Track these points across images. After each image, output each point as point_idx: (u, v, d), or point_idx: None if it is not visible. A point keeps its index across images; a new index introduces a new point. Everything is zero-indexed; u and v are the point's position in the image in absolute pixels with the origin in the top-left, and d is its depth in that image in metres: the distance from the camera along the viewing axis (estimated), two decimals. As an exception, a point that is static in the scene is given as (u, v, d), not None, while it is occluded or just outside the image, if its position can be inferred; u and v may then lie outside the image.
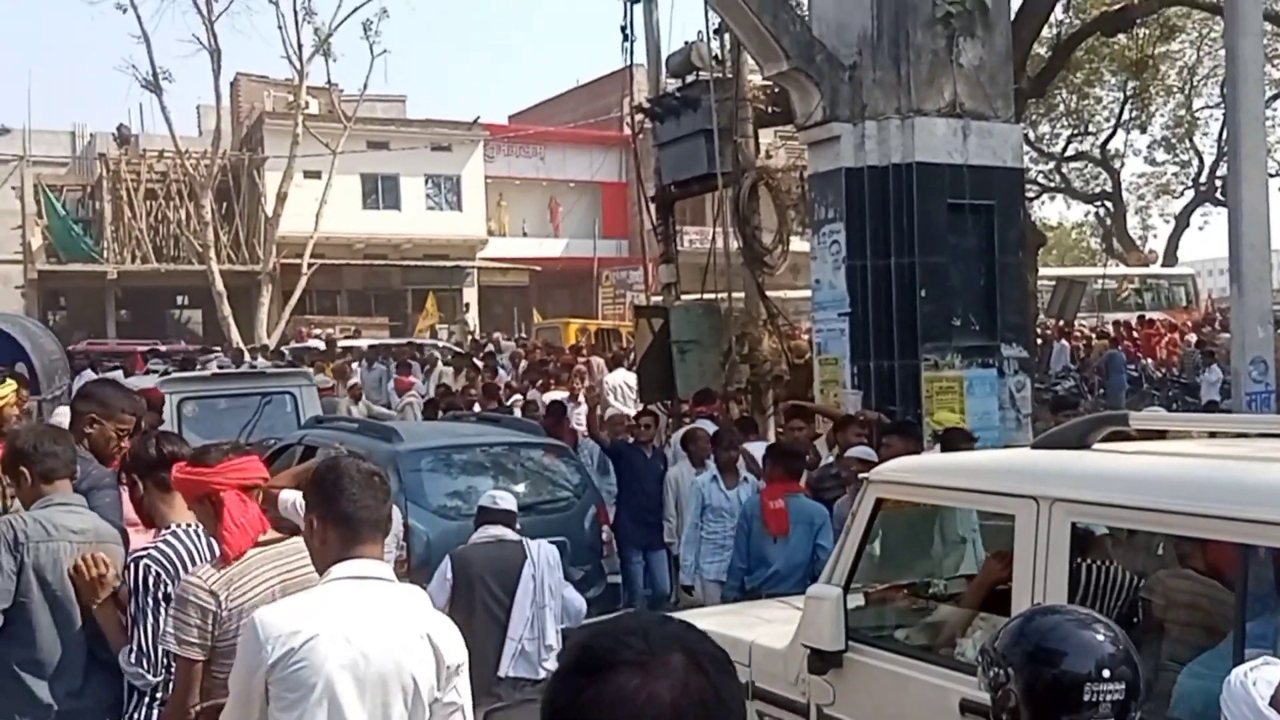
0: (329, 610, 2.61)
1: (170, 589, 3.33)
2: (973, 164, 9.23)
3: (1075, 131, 33.85)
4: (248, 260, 31.94)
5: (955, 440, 6.58)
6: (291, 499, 4.74)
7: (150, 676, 3.40)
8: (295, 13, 30.30)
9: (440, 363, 18.85)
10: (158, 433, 4.37)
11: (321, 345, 23.01)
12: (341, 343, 23.76)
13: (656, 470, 9.03)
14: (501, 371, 17.39)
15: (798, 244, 12.61)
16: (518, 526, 5.56)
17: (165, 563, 3.45)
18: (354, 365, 18.25)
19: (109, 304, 33.01)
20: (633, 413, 13.55)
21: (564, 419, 10.63)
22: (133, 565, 3.50)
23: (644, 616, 1.33)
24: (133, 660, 3.41)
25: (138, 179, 32.84)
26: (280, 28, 28.91)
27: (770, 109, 12.09)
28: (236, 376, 14.04)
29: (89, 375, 12.98)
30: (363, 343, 23.64)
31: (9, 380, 5.10)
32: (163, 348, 23.43)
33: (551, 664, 5.15)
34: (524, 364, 18.38)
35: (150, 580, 3.42)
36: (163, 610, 3.32)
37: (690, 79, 12.22)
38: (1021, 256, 10.01)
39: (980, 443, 8.06)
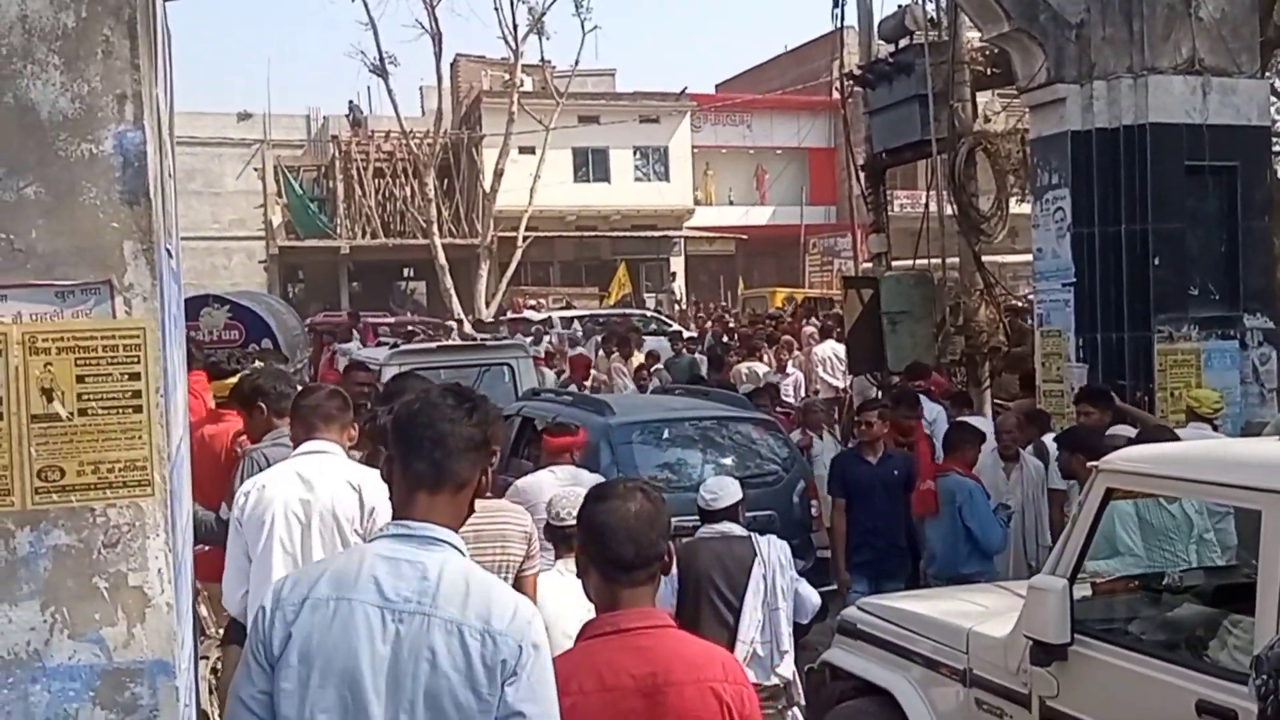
0: (281, 470, 4.07)
1: None
2: (1213, 123, 8.66)
3: (1330, 79, 30.97)
4: (467, 234, 33.26)
5: (1157, 438, 6.16)
6: None
7: None
8: (511, -6, 31.12)
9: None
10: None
11: (536, 315, 23.70)
12: (556, 313, 24.42)
13: (888, 481, 7.20)
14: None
15: (1016, 208, 12.10)
16: (743, 519, 5.10)
17: None
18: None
19: (342, 277, 35.09)
20: (842, 384, 13.43)
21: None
22: None
23: (624, 479, 2.72)
24: None
25: (366, 159, 34.74)
26: (497, 9, 29.71)
27: (989, 71, 11.59)
28: (457, 349, 14.63)
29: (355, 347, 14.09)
30: (570, 313, 24.20)
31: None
32: (390, 319, 24.69)
33: (785, 669, 4.82)
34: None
35: None
36: None
37: (904, 43, 11.86)
38: (1269, 221, 9.30)
39: (1221, 420, 7.60)
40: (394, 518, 2.27)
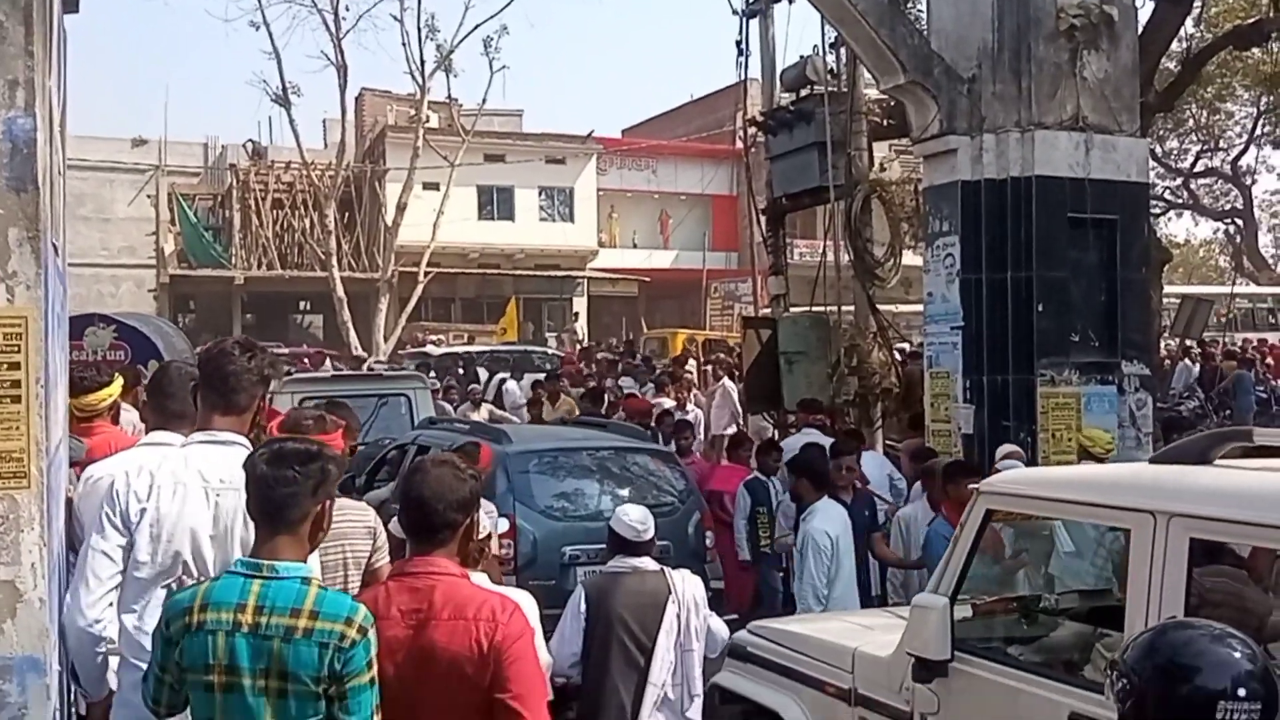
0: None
1: None
2: (1095, 178, 9.03)
3: (1205, 147, 32.67)
4: (368, 268, 32.87)
5: (955, 474, 6.52)
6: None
7: None
8: (419, 30, 31.14)
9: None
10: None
11: (437, 350, 23.52)
12: (451, 349, 24.26)
13: (860, 524, 7.05)
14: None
15: (910, 258, 12.47)
16: (656, 553, 4.96)
17: None
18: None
19: (235, 308, 34.33)
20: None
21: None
22: None
23: (443, 455, 3.09)
24: None
25: (265, 189, 34.14)
26: (404, 45, 29.78)
27: (885, 122, 12.01)
28: (354, 379, 14.49)
29: None
30: (472, 349, 24.09)
31: (118, 377, 5.49)
32: (284, 350, 24.27)
33: (695, 713, 4.73)
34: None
35: None
36: None
37: (804, 93, 12.20)
38: (1146, 273, 9.74)
39: (1111, 460, 7.89)
40: (198, 429, 3.31)
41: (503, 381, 16.71)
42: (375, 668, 2.65)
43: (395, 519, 4.93)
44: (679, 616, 4.68)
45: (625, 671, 4.60)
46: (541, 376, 16.42)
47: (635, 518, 4.85)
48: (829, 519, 6.52)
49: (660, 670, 4.62)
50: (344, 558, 4.24)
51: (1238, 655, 2.07)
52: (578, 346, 25.84)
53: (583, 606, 4.72)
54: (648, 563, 4.80)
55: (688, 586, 4.76)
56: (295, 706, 2.60)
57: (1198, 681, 2.05)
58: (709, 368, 18.28)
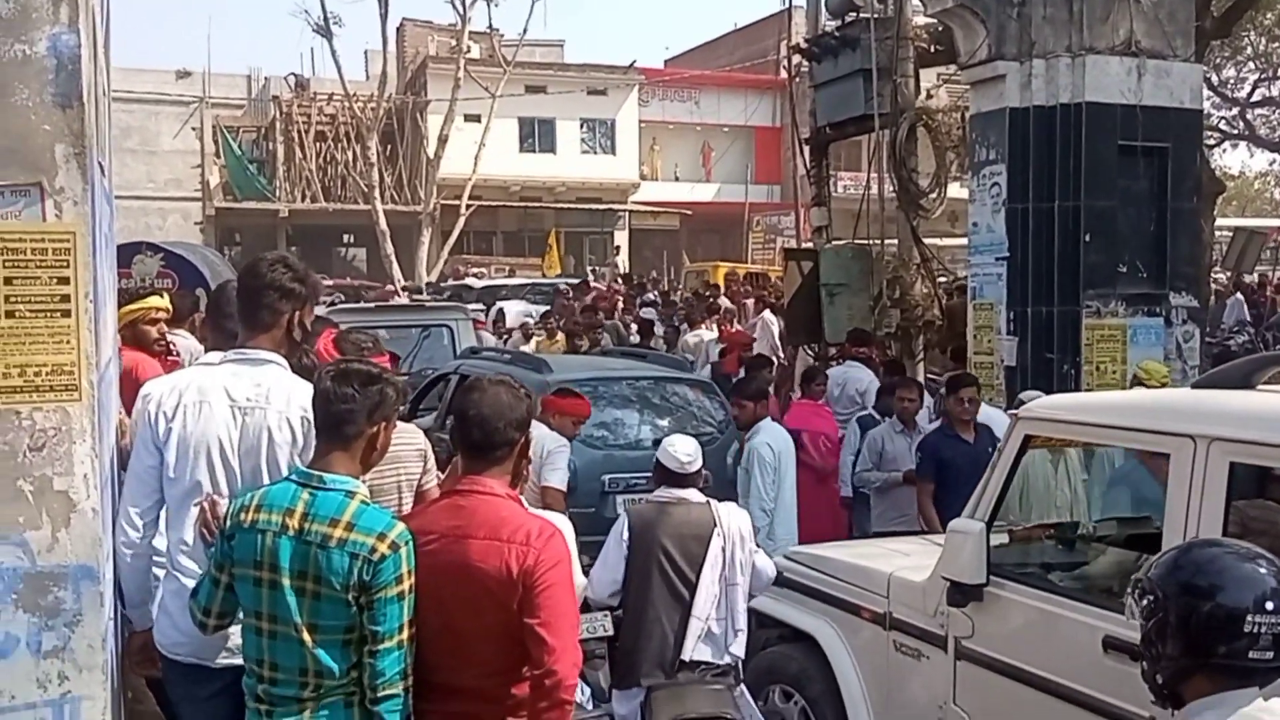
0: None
1: None
2: (1147, 104, 8.85)
3: (1263, 76, 31.64)
4: (409, 201, 32.93)
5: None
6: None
7: None
8: (459, -42, 30.77)
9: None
10: None
11: (477, 283, 23.62)
12: (493, 281, 24.36)
13: (983, 461, 6.67)
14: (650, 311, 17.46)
15: (956, 191, 12.29)
16: (703, 484, 4.86)
17: None
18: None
19: (280, 240, 34.55)
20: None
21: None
22: None
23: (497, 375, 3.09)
24: None
25: (308, 121, 34.20)
26: (444, -27, 29.35)
27: (932, 48, 11.73)
28: (398, 309, 14.60)
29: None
30: (512, 282, 24.20)
31: (155, 295, 5.40)
32: (329, 282, 24.48)
33: (738, 648, 4.66)
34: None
35: None
36: None
37: (850, 18, 11.97)
38: (1197, 203, 9.57)
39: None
40: (236, 348, 3.30)
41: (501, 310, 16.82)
42: (406, 583, 2.72)
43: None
44: (724, 549, 4.60)
45: (669, 602, 4.56)
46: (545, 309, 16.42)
47: (682, 449, 4.77)
48: (773, 436, 6.94)
49: (704, 604, 4.56)
50: (399, 480, 4.28)
51: (1264, 572, 2.08)
52: (619, 279, 25.78)
53: (625, 534, 4.66)
54: (694, 494, 4.73)
55: (734, 520, 4.68)
56: (327, 608, 2.71)
57: (1221, 599, 2.06)
58: (749, 301, 18.21)
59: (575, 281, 21.90)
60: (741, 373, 10.51)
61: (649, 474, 7.39)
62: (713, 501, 4.78)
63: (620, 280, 24.11)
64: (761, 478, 6.77)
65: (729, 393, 7.96)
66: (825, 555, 5.16)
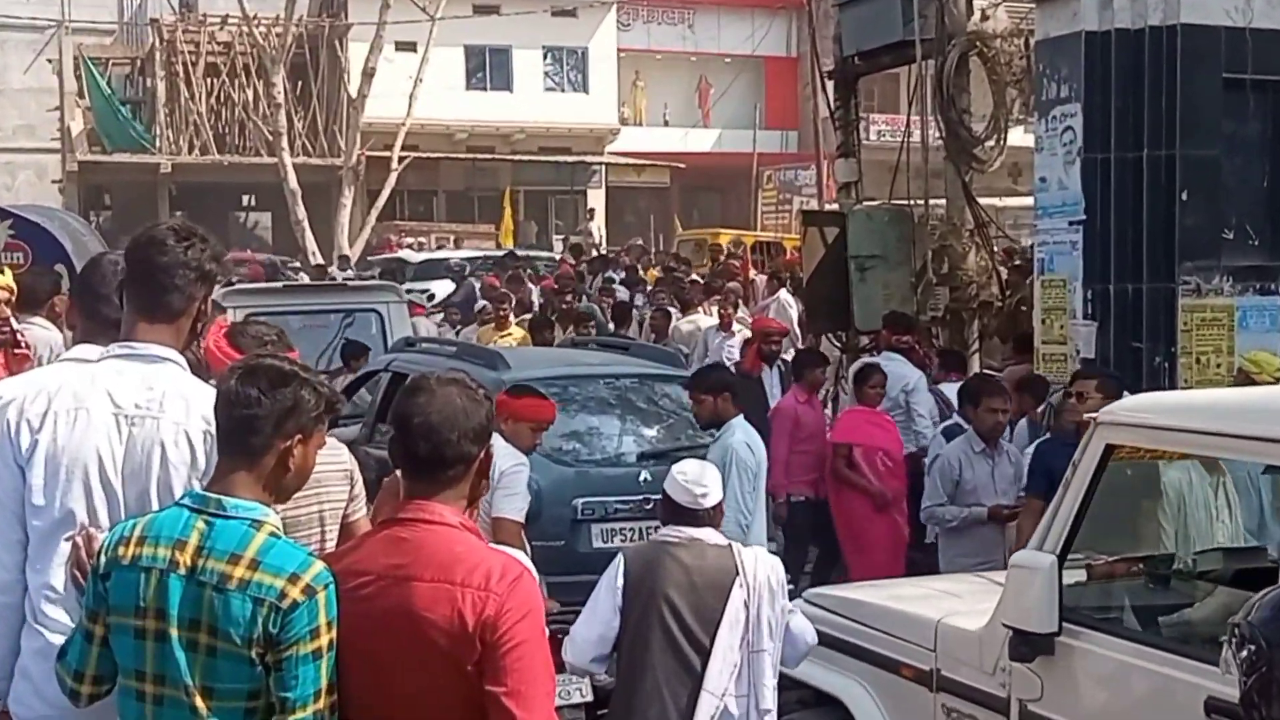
0: None
1: None
2: (1259, 27, 8.89)
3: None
4: (326, 153, 32.91)
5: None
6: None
7: None
8: None
9: None
10: None
11: (416, 256, 23.67)
12: (434, 254, 24.42)
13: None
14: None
15: (1018, 137, 12.34)
16: (714, 516, 4.71)
17: None
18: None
19: (162, 203, 34.46)
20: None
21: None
22: None
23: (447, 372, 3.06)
24: None
25: (196, 51, 34.07)
26: None
27: (988, -43, 11.80)
28: (312, 290, 14.59)
29: None
30: (459, 255, 24.25)
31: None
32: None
33: None
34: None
35: None
36: None
37: (884, -83, 12.00)
38: (1324, 151, 9.63)
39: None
40: (121, 340, 3.24)
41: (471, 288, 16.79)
42: (325, 638, 2.71)
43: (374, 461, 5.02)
44: (748, 606, 4.47)
45: (674, 671, 4.44)
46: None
47: (696, 478, 4.66)
48: (751, 434, 7.09)
49: (720, 675, 4.43)
50: (320, 511, 4.25)
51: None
52: (594, 252, 25.85)
53: (620, 581, 4.53)
54: (711, 535, 4.61)
55: (761, 568, 4.55)
56: (225, 668, 2.69)
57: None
58: (760, 278, 18.25)
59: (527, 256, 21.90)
60: (771, 375, 10.52)
61: (633, 497, 7.48)
62: (736, 544, 4.69)
63: (574, 255, 24.10)
64: (741, 484, 6.80)
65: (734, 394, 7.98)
66: (856, 598, 5.18)
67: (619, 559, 4.68)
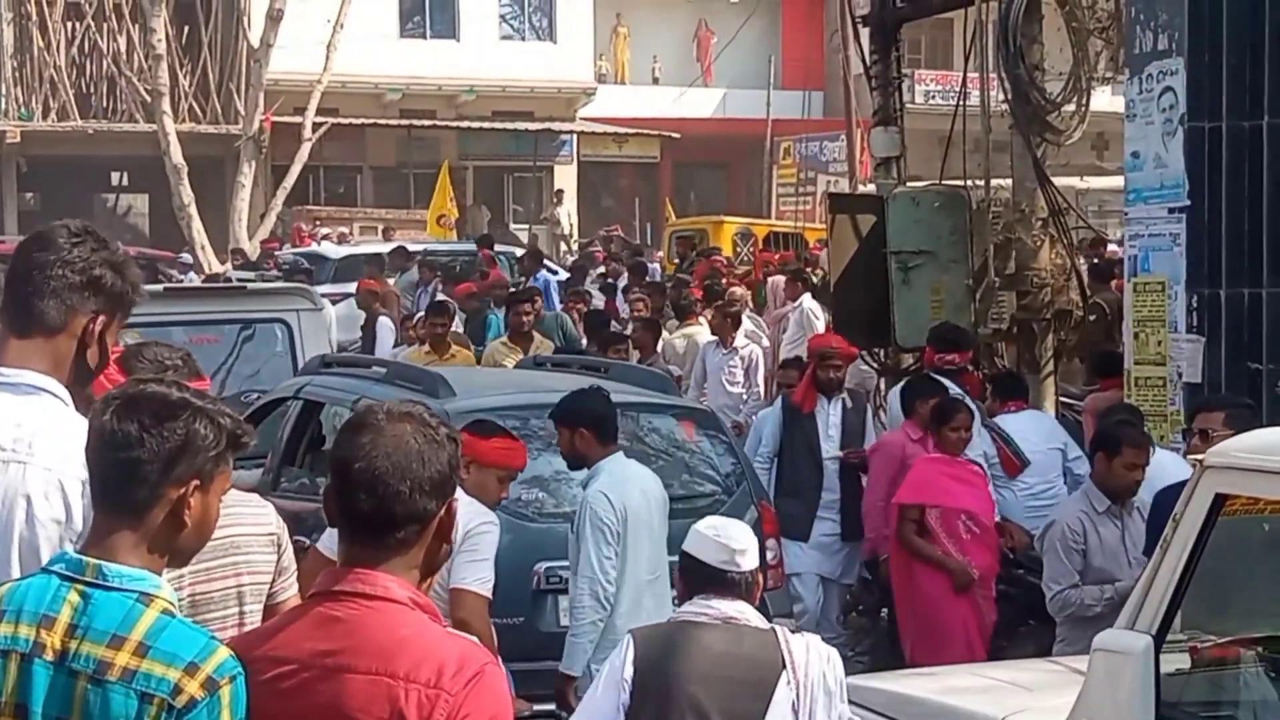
0: None
1: None
2: None
3: None
4: (220, 118, 32.92)
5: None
6: None
7: None
8: None
9: None
10: None
11: (337, 251, 23.71)
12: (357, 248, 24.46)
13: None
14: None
15: (1103, 100, 12.42)
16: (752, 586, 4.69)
17: None
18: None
19: (9, 182, 34.43)
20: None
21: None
22: None
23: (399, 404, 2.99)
24: None
25: (53, -12, 34.10)
26: None
27: None
28: (201, 295, 14.59)
29: None
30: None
31: None
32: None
33: None
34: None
35: None
36: None
37: None
38: None
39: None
40: None
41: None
42: None
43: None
44: (796, 710, 4.47)
45: None
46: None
47: (732, 536, 4.66)
48: (619, 479, 6.79)
49: None
50: (238, 587, 4.22)
51: None
52: (562, 243, 25.93)
53: (628, 673, 4.53)
54: (749, 613, 4.61)
55: (815, 661, 4.55)
56: None
57: None
58: (778, 278, 18.30)
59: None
60: (829, 409, 10.02)
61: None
62: (780, 628, 4.72)
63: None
64: (596, 546, 6.57)
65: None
66: (905, 692, 5.20)
67: (626, 642, 4.65)
